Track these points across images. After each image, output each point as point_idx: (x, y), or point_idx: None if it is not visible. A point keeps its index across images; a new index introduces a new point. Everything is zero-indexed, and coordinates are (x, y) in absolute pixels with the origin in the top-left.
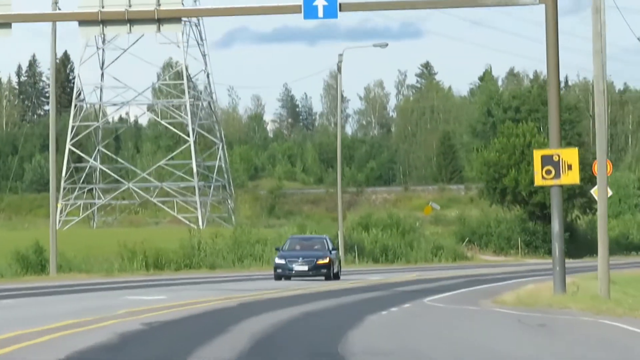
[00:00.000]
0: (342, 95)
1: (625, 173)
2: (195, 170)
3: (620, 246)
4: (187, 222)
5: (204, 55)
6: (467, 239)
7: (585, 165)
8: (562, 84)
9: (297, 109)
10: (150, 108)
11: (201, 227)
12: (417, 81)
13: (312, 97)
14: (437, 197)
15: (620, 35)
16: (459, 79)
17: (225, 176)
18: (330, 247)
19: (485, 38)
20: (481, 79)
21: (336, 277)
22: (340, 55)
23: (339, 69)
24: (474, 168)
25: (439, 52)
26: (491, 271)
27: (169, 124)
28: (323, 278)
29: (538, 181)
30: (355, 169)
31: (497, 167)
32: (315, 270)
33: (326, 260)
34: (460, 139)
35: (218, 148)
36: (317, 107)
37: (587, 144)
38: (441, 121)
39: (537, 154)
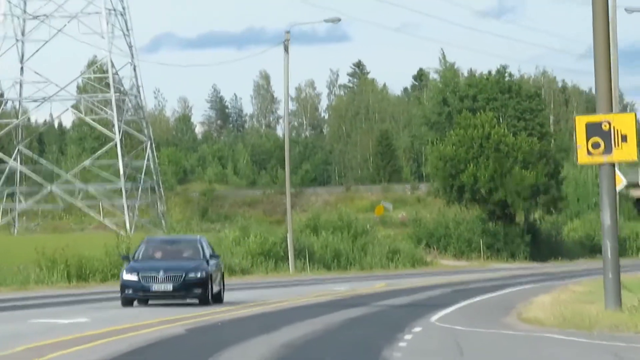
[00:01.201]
0: (288, 79)
1: (583, 170)
2: (122, 170)
3: (585, 248)
4: (114, 228)
5: (130, 47)
6: (424, 242)
7: (549, 159)
8: (516, 76)
9: (227, 110)
10: (75, 106)
11: (129, 232)
12: (350, 80)
13: (242, 98)
14: (382, 198)
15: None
16: (392, 79)
17: (155, 177)
18: (208, 254)
19: (416, 37)
20: (419, 76)
21: (217, 299)
22: (288, 32)
23: (286, 48)
24: (429, 163)
25: (369, 54)
26: (468, 278)
27: (94, 120)
28: (197, 301)
29: (582, 158)
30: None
31: (454, 161)
32: (185, 291)
33: (201, 275)
34: (397, 138)
35: (146, 146)
36: (248, 108)
37: (549, 135)
38: (377, 120)
39: (581, 121)
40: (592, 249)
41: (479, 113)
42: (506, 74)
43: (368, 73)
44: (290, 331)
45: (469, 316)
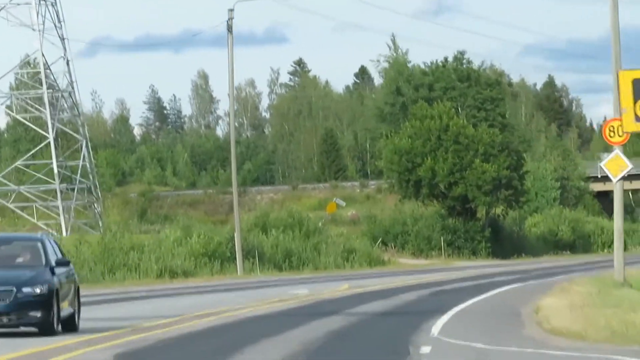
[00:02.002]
0: (233, 62)
1: (542, 164)
2: (56, 171)
3: (549, 244)
4: (49, 230)
5: (62, 40)
6: (380, 240)
7: (511, 151)
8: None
9: (165, 112)
10: (8, 107)
11: (65, 234)
12: (291, 79)
13: (181, 99)
14: (330, 196)
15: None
16: (333, 76)
17: (91, 177)
18: (53, 261)
19: (358, 29)
20: (360, 73)
21: (69, 326)
22: (231, 10)
23: (230, 28)
24: (383, 157)
25: (309, 52)
26: (437, 278)
27: (26, 119)
28: (35, 330)
29: (628, 125)
30: (230, 171)
31: (410, 155)
32: (17, 313)
33: (42, 290)
34: (342, 136)
35: (81, 146)
36: (186, 109)
37: (510, 125)
38: (320, 118)
39: (626, 77)
40: (556, 244)
41: (435, 103)
42: (464, 61)
43: (309, 71)
44: (260, 355)
45: (477, 327)
